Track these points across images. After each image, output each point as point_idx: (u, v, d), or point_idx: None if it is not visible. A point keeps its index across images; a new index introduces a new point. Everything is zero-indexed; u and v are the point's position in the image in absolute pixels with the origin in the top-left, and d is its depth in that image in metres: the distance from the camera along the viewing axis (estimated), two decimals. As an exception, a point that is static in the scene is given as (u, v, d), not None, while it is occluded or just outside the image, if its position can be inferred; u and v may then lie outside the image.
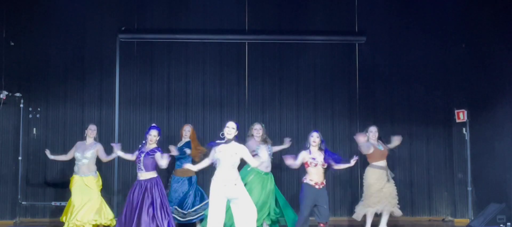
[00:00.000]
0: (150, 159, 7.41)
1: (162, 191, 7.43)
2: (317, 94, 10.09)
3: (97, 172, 8.38)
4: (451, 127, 10.03)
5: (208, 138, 9.82)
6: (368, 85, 10.12)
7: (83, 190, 8.16)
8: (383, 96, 10.13)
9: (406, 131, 9.69)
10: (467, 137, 9.80)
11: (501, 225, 8.48)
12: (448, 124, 10.04)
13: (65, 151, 9.50)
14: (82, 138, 8.50)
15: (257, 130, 8.16)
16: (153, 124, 7.82)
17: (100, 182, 8.40)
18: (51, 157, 8.41)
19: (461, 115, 9.73)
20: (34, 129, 9.69)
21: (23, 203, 9.56)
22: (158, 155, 7.34)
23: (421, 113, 10.12)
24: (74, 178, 8.27)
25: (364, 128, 10.01)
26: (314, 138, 7.30)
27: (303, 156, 7.27)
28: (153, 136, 7.50)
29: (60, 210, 9.53)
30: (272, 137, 9.98)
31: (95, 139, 8.37)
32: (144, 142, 7.52)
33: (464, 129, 9.84)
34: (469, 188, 9.74)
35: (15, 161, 9.56)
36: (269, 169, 8.15)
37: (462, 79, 9.98)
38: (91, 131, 8.35)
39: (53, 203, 9.50)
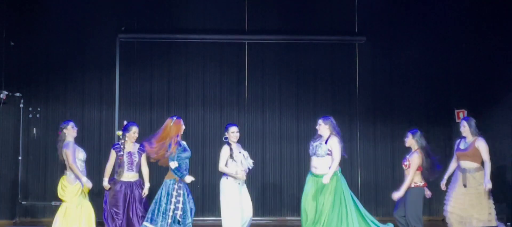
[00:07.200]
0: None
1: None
2: (317, 94, 10.09)
3: (72, 177, 7.08)
4: (451, 127, 10.03)
5: (208, 138, 9.86)
6: (368, 85, 10.12)
7: None
8: (383, 96, 10.13)
9: (406, 131, 9.62)
10: (467, 137, 9.79)
11: (501, 225, 8.48)
12: (448, 124, 10.04)
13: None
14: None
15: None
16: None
17: (71, 189, 7.07)
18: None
19: (461, 115, 9.72)
20: (34, 129, 9.69)
21: (23, 203, 9.56)
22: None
23: (421, 113, 10.12)
24: None
25: (364, 128, 10.09)
26: None
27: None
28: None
29: (60, 210, 9.57)
30: (272, 137, 10.02)
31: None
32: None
33: (464, 129, 9.82)
34: (469, 188, 9.73)
35: (15, 161, 9.57)
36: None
37: (462, 79, 9.98)
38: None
39: (53, 203, 9.49)
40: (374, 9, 10.12)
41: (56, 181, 9.49)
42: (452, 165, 7.37)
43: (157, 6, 10.00)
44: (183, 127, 6.90)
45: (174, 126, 6.77)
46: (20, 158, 9.55)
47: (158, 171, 7.97)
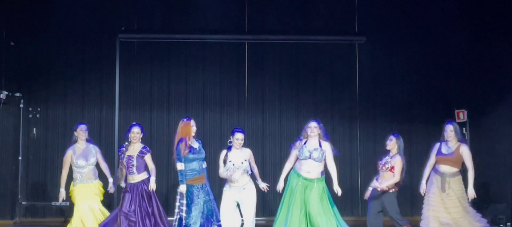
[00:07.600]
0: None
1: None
2: (317, 94, 10.09)
3: (77, 182, 7.24)
4: (451, 127, 10.02)
5: (208, 138, 9.85)
6: (368, 85, 10.13)
7: None
8: (383, 96, 10.14)
9: (406, 131, 9.67)
10: (467, 137, 9.78)
11: (501, 225, 8.48)
12: (448, 124, 10.03)
13: (64, 151, 9.51)
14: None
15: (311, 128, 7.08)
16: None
17: (75, 192, 7.18)
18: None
19: (461, 115, 9.72)
20: (34, 129, 9.69)
21: (23, 203, 9.56)
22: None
23: (421, 113, 10.12)
24: None
25: (364, 128, 10.09)
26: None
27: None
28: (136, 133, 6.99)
29: (60, 210, 9.56)
30: (271, 137, 10.02)
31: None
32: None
33: (464, 129, 9.82)
34: (469, 188, 9.73)
35: (15, 161, 9.56)
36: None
37: (462, 79, 9.98)
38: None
39: (53, 203, 9.49)
40: (374, 9, 10.12)
41: (56, 181, 9.59)
42: (428, 169, 7.20)
43: (157, 6, 10.00)
44: (194, 128, 6.81)
45: (184, 127, 6.77)
46: (20, 158, 9.54)
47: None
